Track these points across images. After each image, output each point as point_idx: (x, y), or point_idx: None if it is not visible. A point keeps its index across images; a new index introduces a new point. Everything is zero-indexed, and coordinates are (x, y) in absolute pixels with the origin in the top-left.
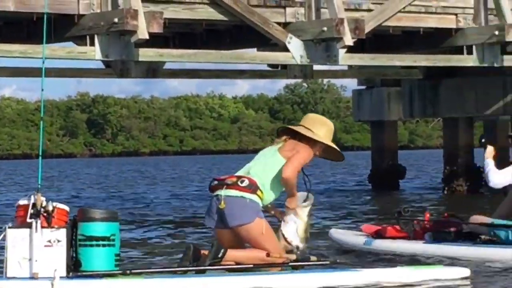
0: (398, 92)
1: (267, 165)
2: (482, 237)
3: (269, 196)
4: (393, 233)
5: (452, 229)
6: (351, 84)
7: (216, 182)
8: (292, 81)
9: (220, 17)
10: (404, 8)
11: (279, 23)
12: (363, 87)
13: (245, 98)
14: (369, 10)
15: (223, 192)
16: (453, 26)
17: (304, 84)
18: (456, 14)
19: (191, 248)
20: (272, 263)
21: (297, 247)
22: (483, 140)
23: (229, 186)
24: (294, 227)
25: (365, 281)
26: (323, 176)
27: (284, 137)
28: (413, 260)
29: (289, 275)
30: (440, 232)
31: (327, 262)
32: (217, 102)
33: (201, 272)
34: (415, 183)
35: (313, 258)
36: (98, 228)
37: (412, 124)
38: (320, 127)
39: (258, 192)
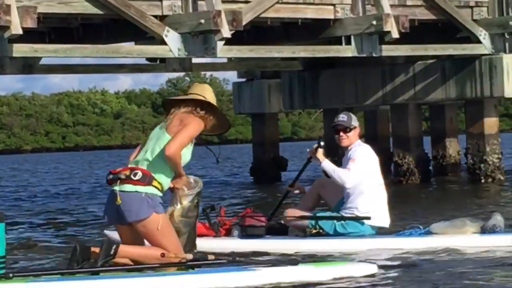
0: (278, 84)
1: (156, 148)
2: (308, 230)
3: (167, 181)
4: (202, 231)
5: (261, 224)
6: (233, 77)
7: (111, 176)
8: (174, 75)
9: (96, 10)
10: None
11: (156, 16)
12: (243, 79)
13: (128, 93)
14: (247, 2)
15: (117, 187)
16: (331, 16)
17: (187, 78)
18: (334, 5)
19: (78, 247)
20: (167, 262)
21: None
22: (322, 143)
23: (123, 181)
24: (171, 210)
25: (266, 280)
26: (207, 169)
27: (172, 111)
28: (316, 257)
29: (186, 276)
30: (248, 228)
31: (224, 261)
32: (100, 98)
33: (95, 273)
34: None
35: (210, 256)
36: None
37: (295, 116)
38: (208, 93)
39: (154, 183)
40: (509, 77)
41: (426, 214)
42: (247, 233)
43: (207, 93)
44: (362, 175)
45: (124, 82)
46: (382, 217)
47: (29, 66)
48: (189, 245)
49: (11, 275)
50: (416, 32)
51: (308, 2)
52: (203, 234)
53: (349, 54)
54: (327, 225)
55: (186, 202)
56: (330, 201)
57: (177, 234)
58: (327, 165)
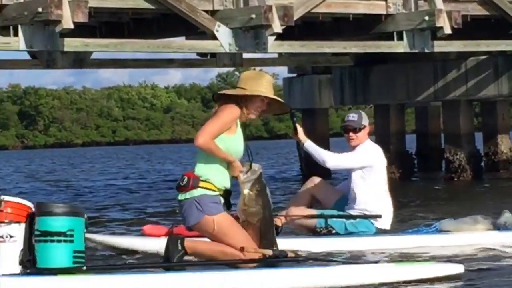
0: (329, 80)
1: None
2: (318, 229)
3: (220, 177)
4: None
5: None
6: (283, 72)
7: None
8: (224, 70)
9: (147, 5)
10: None
11: (206, 11)
12: (294, 75)
13: (178, 88)
14: None
15: (177, 196)
16: (383, 12)
17: (237, 73)
18: (385, 0)
19: (168, 242)
20: (242, 259)
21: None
22: (295, 119)
23: (179, 189)
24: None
25: (348, 278)
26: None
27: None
28: (396, 255)
29: (265, 272)
30: None
31: (302, 259)
32: (150, 92)
33: (169, 269)
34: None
35: (290, 253)
36: (53, 223)
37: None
38: (251, 82)
39: (201, 184)
40: None
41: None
42: None
43: (252, 84)
44: (372, 175)
45: (174, 77)
46: (387, 218)
47: (80, 60)
48: (267, 241)
49: (84, 267)
50: (468, 28)
51: None
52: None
53: (401, 50)
54: (337, 224)
55: (245, 190)
56: (326, 201)
57: (247, 226)
58: (310, 145)
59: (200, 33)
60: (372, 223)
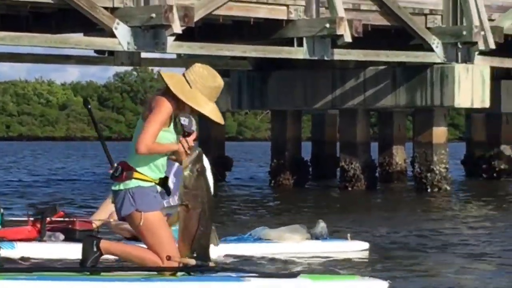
0: (227, 83)
1: (135, 137)
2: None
3: (153, 167)
4: (25, 234)
5: (87, 228)
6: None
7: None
8: (122, 69)
9: None
10: None
11: (106, 8)
12: None
13: (74, 85)
14: None
15: (112, 186)
16: (284, 17)
17: (134, 73)
18: (287, 5)
19: (85, 242)
20: (158, 266)
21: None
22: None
23: (113, 178)
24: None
25: None
26: None
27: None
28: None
29: (173, 283)
30: (70, 231)
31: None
32: (46, 88)
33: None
34: (242, 175)
35: (211, 264)
36: None
37: (241, 115)
38: (201, 86)
39: (136, 175)
40: (460, 86)
41: (372, 222)
42: (77, 237)
43: (197, 83)
44: None
45: (71, 74)
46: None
47: None
48: (204, 228)
49: None
50: (368, 37)
51: (261, 2)
52: (25, 238)
53: (301, 56)
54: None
55: (185, 172)
56: None
57: (187, 211)
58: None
59: (99, 30)
60: None
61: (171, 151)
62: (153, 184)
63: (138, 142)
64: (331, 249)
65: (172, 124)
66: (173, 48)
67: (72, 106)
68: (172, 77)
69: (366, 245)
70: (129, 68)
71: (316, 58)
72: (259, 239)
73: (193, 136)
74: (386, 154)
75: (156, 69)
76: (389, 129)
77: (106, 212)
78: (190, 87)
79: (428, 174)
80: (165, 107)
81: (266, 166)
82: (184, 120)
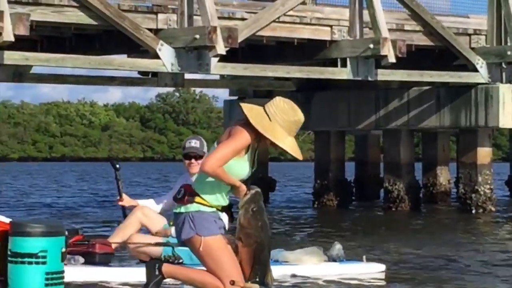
0: None
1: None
2: (166, 258)
3: (217, 194)
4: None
5: (106, 251)
6: (223, 94)
7: None
8: (164, 90)
9: (90, 21)
10: (278, 18)
11: (150, 30)
12: (235, 97)
13: (117, 106)
14: (243, 19)
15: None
16: (328, 38)
17: (176, 94)
18: (331, 26)
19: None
20: None
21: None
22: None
23: (176, 200)
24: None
25: None
26: None
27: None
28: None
29: None
30: (99, 255)
31: None
32: (88, 109)
33: None
34: (286, 196)
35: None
36: (24, 244)
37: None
38: (282, 121)
39: (197, 199)
40: (505, 107)
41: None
42: (96, 260)
43: (277, 117)
44: None
45: (114, 95)
46: None
47: (19, 74)
48: (260, 266)
49: None
50: (412, 58)
51: (305, 22)
52: None
53: (344, 77)
54: (183, 253)
55: (241, 211)
56: (155, 229)
57: (242, 248)
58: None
59: (142, 51)
60: None
61: (231, 185)
62: (214, 209)
63: (206, 160)
64: (347, 271)
65: (247, 156)
66: (217, 69)
67: (115, 127)
68: (251, 109)
69: (382, 267)
70: (171, 89)
71: (359, 78)
72: (276, 261)
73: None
74: (430, 175)
75: (198, 90)
76: (433, 149)
77: (123, 234)
78: (270, 120)
79: (473, 195)
80: (242, 136)
81: (307, 187)
82: (195, 143)
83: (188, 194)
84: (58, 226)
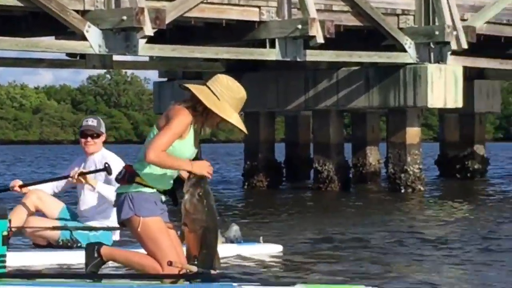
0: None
1: (147, 140)
2: (63, 242)
3: (158, 175)
4: None
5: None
6: (155, 76)
7: None
8: (95, 72)
9: (16, 2)
10: None
11: (77, 11)
12: (165, 79)
13: (48, 89)
14: (171, 0)
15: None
16: (256, 18)
17: (108, 76)
18: (259, 7)
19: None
20: (157, 273)
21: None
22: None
23: (117, 181)
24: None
25: None
26: None
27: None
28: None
29: None
30: None
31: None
32: (19, 92)
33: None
34: (215, 177)
35: (214, 272)
36: None
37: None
38: (228, 96)
39: (138, 179)
40: (433, 87)
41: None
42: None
43: (224, 94)
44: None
45: (44, 78)
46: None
47: None
48: (207, 251)
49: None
50: (341, 38)
51: (233, 3)
52: None
53: (273, 58)
54: (82, 236)
55: (186, 195)
56: (50, 212)
57: (189, 233)
58: (103, 188)
59: (70, 33)
60: (112, 234)
61: (183, 169)
62: (154, 191)
63: (149, 148)
64: (244, 252)
65: (189, 136)
66: (144, 50)
67: (46, 109)
68: (200, 89)
69: (279, 248)
70: (103, 71)
71: (288, 59)
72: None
73: (103, 138)
74: (360, 155)
75: (129, 72)
76: (362, 130)
77: (18, 218)
78: (218, 98)
79: (402, 175)
80: (183, 117)
81: (238, 169)
82: (92, 121)
83: (128, 174)
84: (0, 209)
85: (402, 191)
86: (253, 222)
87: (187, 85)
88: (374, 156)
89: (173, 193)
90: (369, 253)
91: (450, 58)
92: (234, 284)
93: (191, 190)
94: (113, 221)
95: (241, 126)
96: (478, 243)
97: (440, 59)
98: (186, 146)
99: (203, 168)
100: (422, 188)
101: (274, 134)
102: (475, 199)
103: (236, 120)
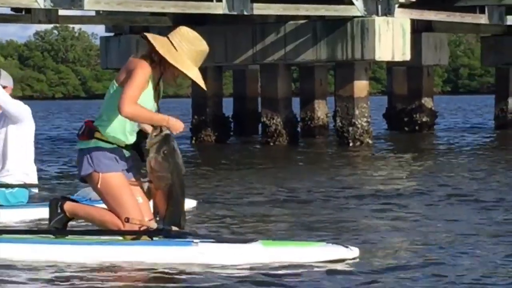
0: None
1: (106, 96)
2: None
3: (119, 131)
4: None
5: None
6: (102, 32)
7: None
8: (42, 27)
9: None
10: None
11: None
12: (111, 34)
13: None
14: None
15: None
16: None
17: (55, 31)
18: None
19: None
20: (118, 229)
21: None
22: None
23: (77, 136)
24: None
25: (229, 257)
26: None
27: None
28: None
29: (137, 247)
30: None
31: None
32: None
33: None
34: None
35: (174, 229)
36: None
37: None
38: (187, 49)
39: (97, 135)
40: (381, 40)
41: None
42: None
43: (183, 46)
44: (26, 137)
45: None
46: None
47: None
48: (174, 208)
49: None
50: None
51: None
52: None
53: (220, 11)
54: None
55: (151, 153)
56: None
57: (156, 190)
58: None
59: None
60: (27, 192)
61: (159, 123)
62: (115, 146)
63: (121, 103)
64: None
65: (149, 89)
66: (90, 5)
67: None
68: (156, 39)
69: (193, 203)
70: (50, 26)
71: (235, 13)
72: (89, 200)
73: (9, 91)
74: (308, 109)
75: (77, 27)
76: (310, 83)
77: None
78: (176, 50)
79: (350, 128)
80: (142, 69)
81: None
82: None
83: (88, 129)
84: None
85: (350, 144)
86: (199, 178)
87: (145, 34)
88: (322, 110)
89: (138, 148)
90: (322, 208)
91: (398, 11)
92: (196, 240)
93: (156, 147)
94: (30, 176)
95: (200, 81)
96: (427, 195)
97: (388, 12)
98: (146, 99)
99: (178, 125)
100: (370, 142)
101: (222, 89)
102: (423, 152)
103: (194, 74)
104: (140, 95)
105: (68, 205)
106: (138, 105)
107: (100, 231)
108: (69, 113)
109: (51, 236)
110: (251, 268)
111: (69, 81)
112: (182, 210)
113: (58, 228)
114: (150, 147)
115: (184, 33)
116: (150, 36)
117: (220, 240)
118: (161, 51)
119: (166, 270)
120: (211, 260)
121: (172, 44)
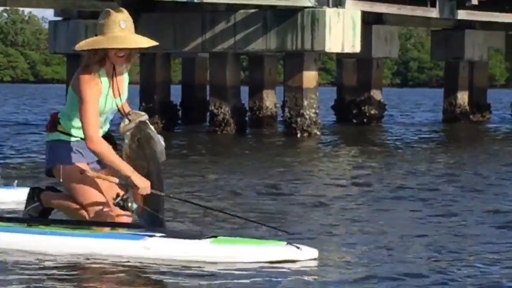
0: (94, 25)
1: (68, 92)
2: None
3: (78, 125)
4: None
5: None
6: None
7: None
8: None
9: None
10: None
11: None
12: (60, 18)
13: None
14: None
15: None
16: None
17: (5, 14)
18: None
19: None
20: (84, 220)
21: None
22: None
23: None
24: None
25: (177, 252)
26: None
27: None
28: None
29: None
30: None
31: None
32: None
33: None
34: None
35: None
36: None
37: None
38: (97, 23)
39: (59, 127)
40: (331, 31)
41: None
42: None
43: (96, 28)
44: None
45: None
46: None
47: None
48: (153, 196)
49: None
50: None
51: None
52: None
53: None
54: None
55: (126, 141)
56: None
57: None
58: None
59: None
60: None
61: (120, 172)
62: (77, 139)
63: (87, 137)
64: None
65: (105, 91)
66: None
67: None
68: (81, 42)
69: None
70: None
71: (185, 0)
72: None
73: None
74: (257, 98)
75: (27, 11)
76: (259, 73)
77: None
78: (97, 34)
79: (298, 119)
80: (87, 84)
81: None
82: None
83: (52, 122)
84: None
85: (298, 135)
86: None
87: (75, 47)
88: (270, 100)
89: (110, 138)
90: (271, 201)
91: (349, 3)
92: (143, 233)
93: (131, 135)
94: None
95: (146, 44)
96: (372, 189)
97: (339, 3)
98: (102, 102)
99: (141, 185)
100: (318, 133)
101: (170, 76)
102: (370, 144)
103: (134, 40)
104: (97, 107)
105: (45, 195)
106: (104, 144)
107: (64, 221)
108: (18, 96)
109: (22, 224)
110: (198, 265)
111: (18, 65)
112: (160, 200)
113: (32, 215)
114: (124, 133)
115: (100, 17)
116: (78, 45)
117: (171, 235)
118: (86, 46)
119: (115, 263)
120: (158, 254)
121: (95, 34)
